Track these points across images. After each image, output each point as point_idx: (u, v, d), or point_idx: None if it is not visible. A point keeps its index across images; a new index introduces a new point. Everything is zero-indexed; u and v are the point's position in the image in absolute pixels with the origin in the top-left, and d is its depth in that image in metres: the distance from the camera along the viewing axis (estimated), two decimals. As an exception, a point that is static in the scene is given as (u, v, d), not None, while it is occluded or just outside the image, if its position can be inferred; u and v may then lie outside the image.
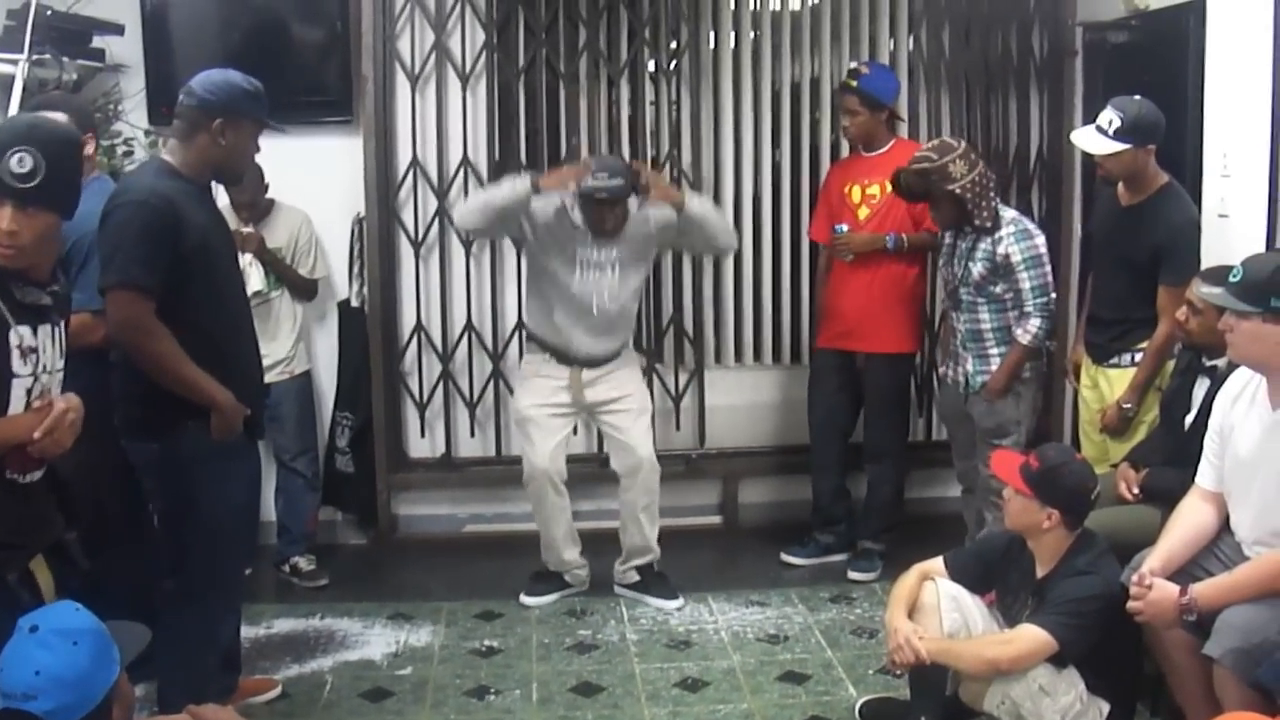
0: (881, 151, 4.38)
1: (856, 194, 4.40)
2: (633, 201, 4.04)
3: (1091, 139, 3.61)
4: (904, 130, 4.72)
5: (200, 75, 2.99)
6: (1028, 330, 3.82)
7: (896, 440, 4.54)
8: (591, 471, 4.66)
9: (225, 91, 2.95)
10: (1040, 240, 3.83)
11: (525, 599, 4.25)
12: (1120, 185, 3.71)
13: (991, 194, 3.82)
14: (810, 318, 5.04)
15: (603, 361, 4.17)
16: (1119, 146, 3.53)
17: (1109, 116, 3.54)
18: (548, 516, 4.18)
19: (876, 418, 4.49)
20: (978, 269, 3.85)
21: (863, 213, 4.37)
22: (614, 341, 4.19)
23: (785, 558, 4.63)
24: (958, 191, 3.74)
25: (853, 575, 4.45)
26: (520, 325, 4.71)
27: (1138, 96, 3.58)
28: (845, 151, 4.95)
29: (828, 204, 4.55)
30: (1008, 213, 3.85)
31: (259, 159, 3.22)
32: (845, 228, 4.36)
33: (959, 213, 3.82)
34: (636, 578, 4.30)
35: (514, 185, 4.00)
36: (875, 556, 4.49)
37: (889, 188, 4.15)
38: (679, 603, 4.22)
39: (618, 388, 4.19)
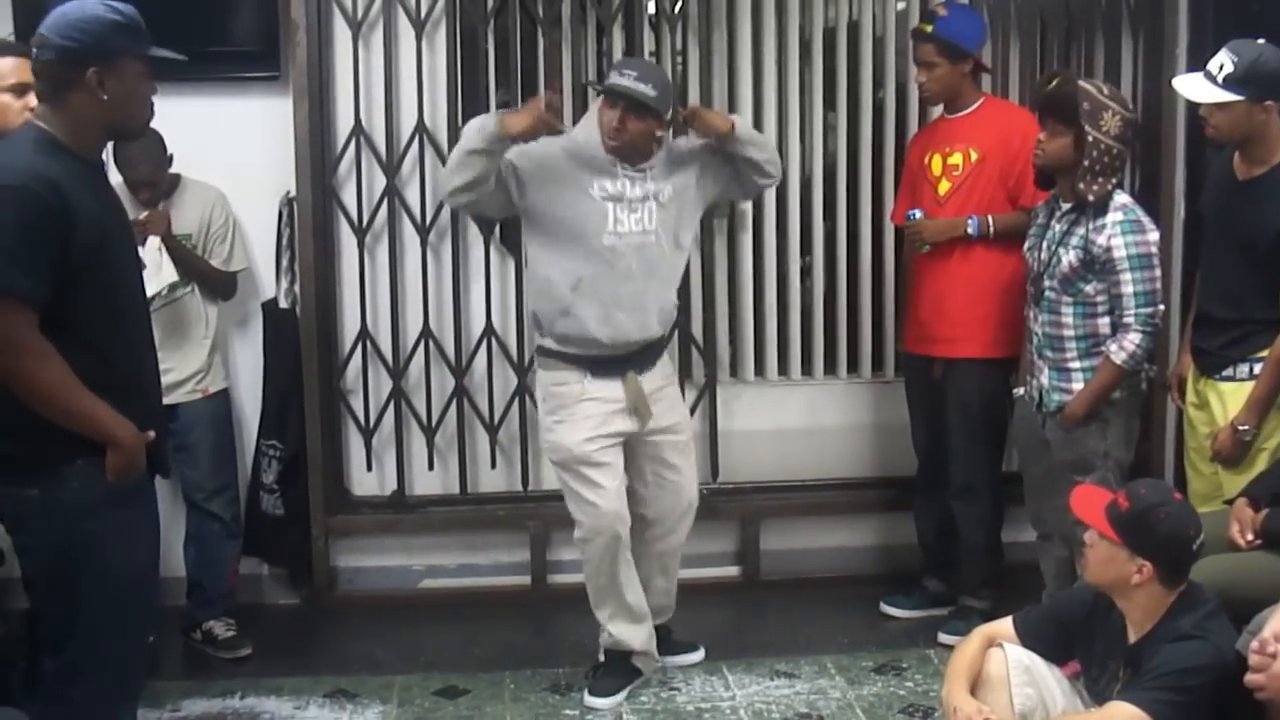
0: (968, 111, 4.41)
1: (937, 165, 4.42)
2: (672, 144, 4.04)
3: (1196, 85, 3.65)
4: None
5: (51, 16, 2.84)
6: (1124, 347, 3.81)
7: (987, 468, 4.50)
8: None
9: (89, 30, 2.80)
10: (1153, 236, 3.83)
11: (592, 700, 4.06)
12: (1236, 153, 3.73)
13: (1116, 175, 3.83)
14: (848, 320, 5.05)
15: (655, 359, 4.05)
16: (1228, 97, 3.57)
17: (1221, 60, 3.59)
18: (622, 581, 4.02)
19: (960, 440, 4.46)
20: (1069, 258, 3.84)
21: (943, 187, 4.40)
22: (660, 323, 4.04)
23: (885, 609, 4.69)
24: (1089, 139, 3.73)
25: (944, 639, 4.40)
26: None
27: (1262, 40, 3.61)
28: (892, 113, 4.95)
29: (910, 180, 4.58)
30: (1120, 197, 3.85)
31: (156, 124, 3.17)
32: (919, 213, 4.39)
33: (1068, 163, 3.80)
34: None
35: (483, 124, 3.79)
36: (976, 616, 4.37)
37: (973, 156, 4.18)
38: (700, 653, 4.35)
39: (673, 408, 4.14)
